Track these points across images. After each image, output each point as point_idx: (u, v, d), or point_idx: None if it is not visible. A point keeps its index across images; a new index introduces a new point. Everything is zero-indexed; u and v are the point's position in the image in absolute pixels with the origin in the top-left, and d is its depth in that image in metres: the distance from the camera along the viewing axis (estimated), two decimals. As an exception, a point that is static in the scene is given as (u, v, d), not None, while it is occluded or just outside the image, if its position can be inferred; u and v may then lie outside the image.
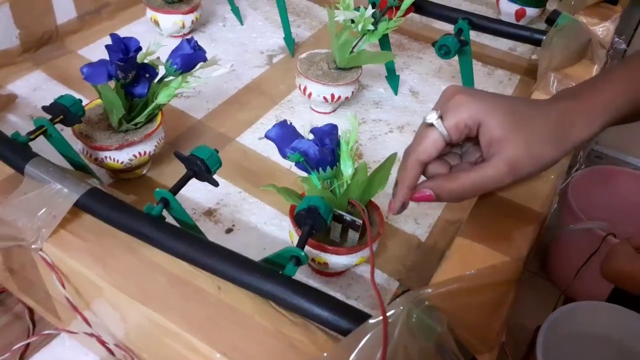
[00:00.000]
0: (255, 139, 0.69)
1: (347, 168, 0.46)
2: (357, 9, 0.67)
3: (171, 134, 0.66)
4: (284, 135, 0.47)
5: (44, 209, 0.43)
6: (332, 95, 0.70)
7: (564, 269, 1.37)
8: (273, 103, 0.75)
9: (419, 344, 0.34)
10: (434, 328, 0.34)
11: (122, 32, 0.85)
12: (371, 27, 0.66)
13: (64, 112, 0.52)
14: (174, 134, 0.67)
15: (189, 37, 0.58)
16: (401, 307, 0.33)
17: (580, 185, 1.56)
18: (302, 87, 0.71)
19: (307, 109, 0.75)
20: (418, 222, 0.60)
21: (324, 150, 0.45)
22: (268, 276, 0.38)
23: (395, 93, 0.79)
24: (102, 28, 0.85)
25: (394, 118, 0.75)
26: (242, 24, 0.90)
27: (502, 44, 0.92)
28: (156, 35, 0.83)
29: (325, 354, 0.33)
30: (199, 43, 0.59)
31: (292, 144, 0.46)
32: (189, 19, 0.82)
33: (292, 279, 0.38)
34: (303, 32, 0.91)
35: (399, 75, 0.79)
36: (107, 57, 0.53)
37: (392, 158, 0.49)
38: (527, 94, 0.81)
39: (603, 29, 0.73)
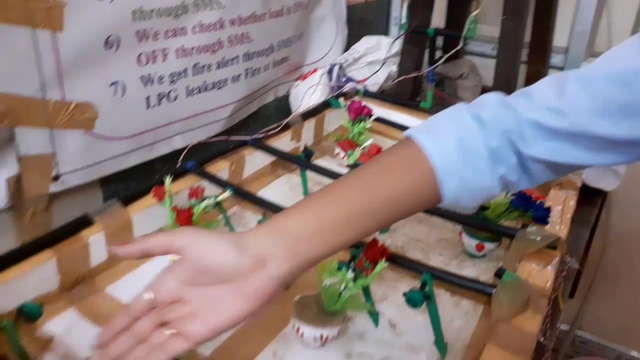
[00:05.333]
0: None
1: None
2: (340, 266, 0.83)
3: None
4: None
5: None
6: (322, 336, 0.83)
7: None
8: (270, 338, 0.87)
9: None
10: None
11: (148, 265, 1.00)
12: (351, 285, 0.81)
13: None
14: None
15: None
16: None
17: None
18: (295, 327, 0.84)
19: (298, 344, 0.87)
20: None
21: None
22: None
23: (376, 325, 0.92)
24: (130, 262, 1.00)
25: (376, 351, 0.87)
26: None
27: (470, 273, 1.08)
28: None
29: None
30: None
31: None
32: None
33: None
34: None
35: (377, 312, 0.93)
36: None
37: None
38: (488, 326, 0.95)
39: (544, 278, 0.89)
